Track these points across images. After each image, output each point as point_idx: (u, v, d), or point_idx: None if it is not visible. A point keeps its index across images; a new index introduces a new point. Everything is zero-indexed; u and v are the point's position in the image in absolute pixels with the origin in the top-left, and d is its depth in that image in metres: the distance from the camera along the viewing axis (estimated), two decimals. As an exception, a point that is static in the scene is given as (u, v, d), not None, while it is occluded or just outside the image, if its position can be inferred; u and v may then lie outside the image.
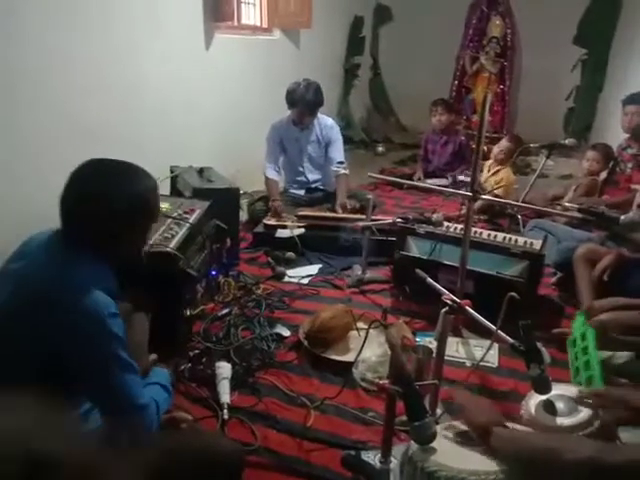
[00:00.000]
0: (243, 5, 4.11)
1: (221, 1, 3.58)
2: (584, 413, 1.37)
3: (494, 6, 5.88)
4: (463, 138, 4.65)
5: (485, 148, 3.88)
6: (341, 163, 3.50)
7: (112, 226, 1.26)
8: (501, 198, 3.49)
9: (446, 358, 1.81)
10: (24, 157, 2.35)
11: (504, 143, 3.95)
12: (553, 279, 2.77)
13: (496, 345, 2.13)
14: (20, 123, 2.32)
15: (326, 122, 3.54)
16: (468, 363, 2.11)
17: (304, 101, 3.29)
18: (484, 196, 2.18)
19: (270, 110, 3.67)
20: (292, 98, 3.32)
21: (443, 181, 4.42)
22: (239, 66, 4.02)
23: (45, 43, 2.39)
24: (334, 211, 3.33)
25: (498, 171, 3.90)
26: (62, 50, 2.49)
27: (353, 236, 2.96)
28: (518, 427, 1.27)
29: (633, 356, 1.76)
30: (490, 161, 3.97)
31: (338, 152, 3.53)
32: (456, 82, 6.13)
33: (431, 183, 4.32)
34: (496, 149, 3.92)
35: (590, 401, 1.28)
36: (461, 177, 4.32)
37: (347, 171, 3.51)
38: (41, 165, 2.42)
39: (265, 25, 4.36)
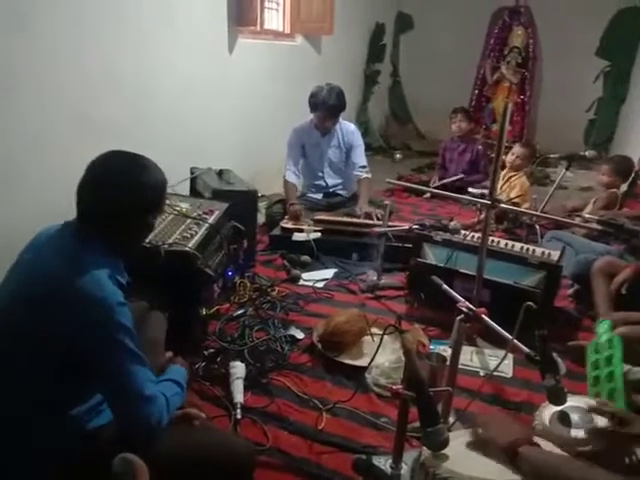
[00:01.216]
0: (266, 10, 4.16)
1: (245, 6, 3.63)
2: (599, 426, 1.36)
3: (516, 16, 5.88)
4: (480, 147, 4.64)
5: (504, 157, 3.86)
6: (364, 167, 3.53)
7: (123, 215, 1.30)
8: (518, 206, 3.47)
9: (460, 367, 1.80)
10: (30, 155, 2.38)
11: (518, 149, 3.93)
12: (570, 291, 2.75)
13: (510, 355, 2.11)
14: (25, 119, 2.33)
15: (348, 127, 3.57)
16: (482, 372, 2.09)
17: (326, 105, 3.31)
18: (503, 205, 2.16)
19: (290, 115, 3.70)
20: (314, 102, 3.34)
21: (459, 176, 4.45)
22: (261, 70, 4.07)
23: (54, 40, 2.41)
24: (353, 214, 3.33)
25: (511, 177, 3.88)
26: (73, 47, 2.51)
27: (366, 251, 2.99)
28: (543, 444, 1.25)
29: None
30: (505, 170, 3.95)
31: (360, 157, 3.55)
32: (476, 91, 6.13)
33: (447, 182, 4.38)
34: (510, 156, 3.88)
35: None
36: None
37: (369, 175, 3.53)
38: (48, 163, 2.45)
39: (287, 31, 4.41)
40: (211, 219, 2.30)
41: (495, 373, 1.97)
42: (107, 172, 1.30)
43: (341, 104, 3.37)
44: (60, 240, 1.28)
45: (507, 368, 2.11)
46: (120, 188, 1.28)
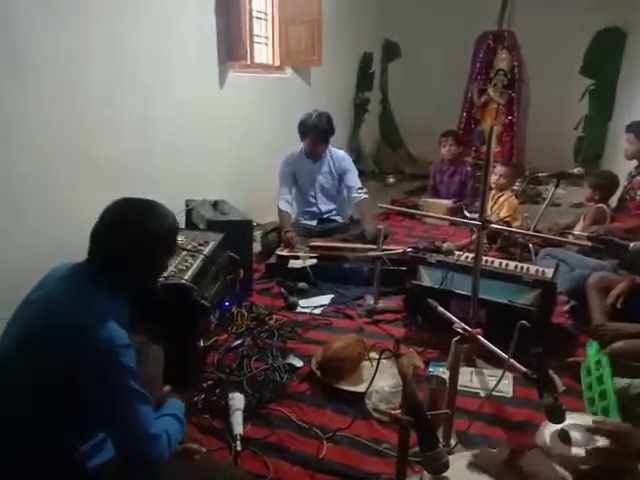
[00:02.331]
0: (256, 45, 4.26)
1: (235, 41, 3.72)
2: (600, 444, 1.36)
3: (500, 40, 6.04)
4: (469, 169, 4.70)
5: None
6: (361, 189, 3.61)
7: (137, 260, 1.34)
8: (509, 226, 3.50)
9: (460, 388, 1.79)
10: (29, 194, 2.40)
11: (499, 168, 3.98)
12: (566, 307, 2.75)
13: (510, 375, 2.11)
14: (23, 162, 2.36)
15: (338, 154, 3.63)
16: (482, 393, 2.08)
17: (316, 129, 3.38)
18: (493, 225, 2.18)
19: (282, 145, 3.77)
20: (304, 128, 3.41)
21: (448, 201, 4.52)
22: (252, 103, 4.14)
23: (46, 82, 2.46)
24: (365, 236, 3.35)
25: (499, 198, 3.92)
26: (70, 87, 2.57)
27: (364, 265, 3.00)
28: None
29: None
30: (492, 191, 3.99)
31: (355, 180, 3.63)
32: (465, 114, 6.23)
33: (439, 202, 4.48)
34: (494, 177, 3.92)
35: None
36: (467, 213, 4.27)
37: (367, 195, 3.62)
38: (48, 204, 2.47)
39: (277, 64, 4.51)
40: (206, 250, 2.31)
41: (495, 393, 1.96)
42: (121, 219, 1.35)
43: (330, 128, 3.45)
44: (69, 280, 1.31)
45: (507, 388, 2.10)
46: (134, 234, 1.33)
